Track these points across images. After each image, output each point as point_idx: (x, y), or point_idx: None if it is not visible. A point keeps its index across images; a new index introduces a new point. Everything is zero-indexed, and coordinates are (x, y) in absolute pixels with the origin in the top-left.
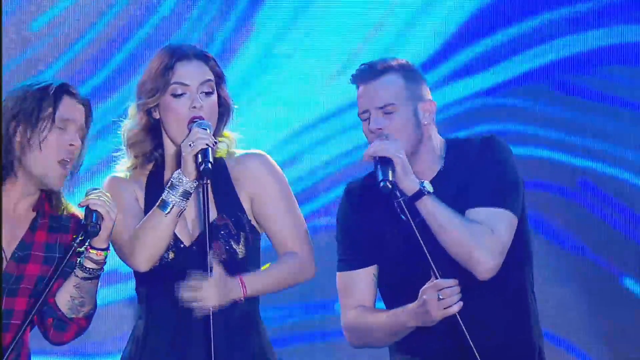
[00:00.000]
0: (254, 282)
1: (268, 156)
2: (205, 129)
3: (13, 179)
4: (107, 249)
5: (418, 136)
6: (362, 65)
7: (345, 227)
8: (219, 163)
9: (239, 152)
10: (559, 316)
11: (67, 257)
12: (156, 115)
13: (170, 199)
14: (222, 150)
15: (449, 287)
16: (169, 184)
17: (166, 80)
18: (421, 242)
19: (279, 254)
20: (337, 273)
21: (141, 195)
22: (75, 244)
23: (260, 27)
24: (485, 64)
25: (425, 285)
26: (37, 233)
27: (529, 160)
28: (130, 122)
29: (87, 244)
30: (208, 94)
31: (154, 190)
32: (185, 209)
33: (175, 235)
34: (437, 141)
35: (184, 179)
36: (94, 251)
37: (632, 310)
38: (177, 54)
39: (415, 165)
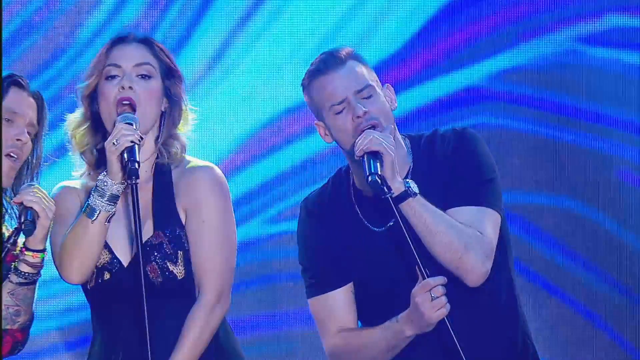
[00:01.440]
0: None
1: (217, 171)
2: (131, 124)
3: None
4: (43, 250)
5: (393, 124)
6: (319, 57)
7: (312, 248)
8: (164, 172)
9: (189, 160)
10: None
11: (0, 259)
12: (97, 107)
13: (96, 205)
14: (172, 155)
15: (440, 284)
16: (94, 187)
17: (102, 64)
18: (410, 243)
19: (195, 282)
20: (310, 299)
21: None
22: (8, 245)
23: (219, 12)
24: (467, 50)
25: (415, 288)
26: None
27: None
28: (75, 114)
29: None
30: (145, 77)
31: None
32: (113, 214)
33: (113, 253)
34: (399, 137)
35: (109, 181)
36: (30, 253)
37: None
38: (116, 39)
39: None
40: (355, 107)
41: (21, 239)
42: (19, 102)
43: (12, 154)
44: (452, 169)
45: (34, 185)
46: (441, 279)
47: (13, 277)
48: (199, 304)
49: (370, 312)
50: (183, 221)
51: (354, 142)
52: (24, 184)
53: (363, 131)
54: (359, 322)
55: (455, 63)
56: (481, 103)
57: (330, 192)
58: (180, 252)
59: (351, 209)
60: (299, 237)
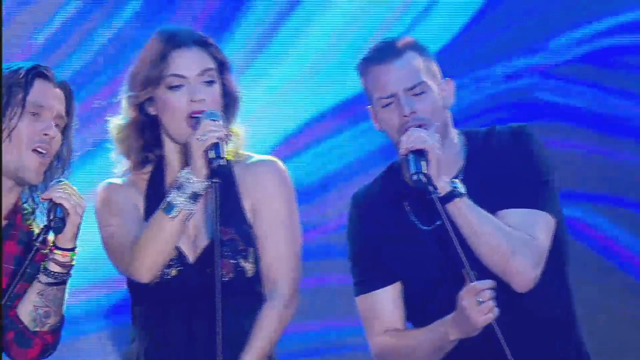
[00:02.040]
0: None
1: (281, 165)
2: (216, 120)
3: None
4: (73, 249)
5: (445, 122)
6: (377, 44)
7: (360, 244)
8: (228, 162)
9: (250, 155)
10: None
11: (28, 259)
12: (151, 110)
13: (176, 201)
14: (230, 151)
15: (488, 289)
16: (176, 184)
17: (161, 71)
18: (457, 245)
19: (263, 279)
20: (357, 297)
21: (141, 202)
22: (37, 244)
23: (261, 3)
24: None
25: (462, 291)
26: (7, 243)
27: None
28: (120, 118)
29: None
30: (209, 84)
31: (155, 195)
32: (193, 214)
33: (179, 249)
34: (454, 132)
35: (194, 178)
36: (59, 252)
37: None
38: (173, 41)
39: None
40: (404, 105)
41: (51, 237)
42: (45, 94)
43: (40, 149)
44: (506, 168)
45: (63, 181)
46: (489, 283)
47: (42, 277)
48: (273, 300)
49: (417, 313)
50: (250, 219)
51: (399, 138)
52: (52, 179)
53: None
54: (409, 323)
55: (503, 56)
56: (529, 99)
57: (380, 186)
58: (251, 249)
59: (400, 206)
60: (347, 233)
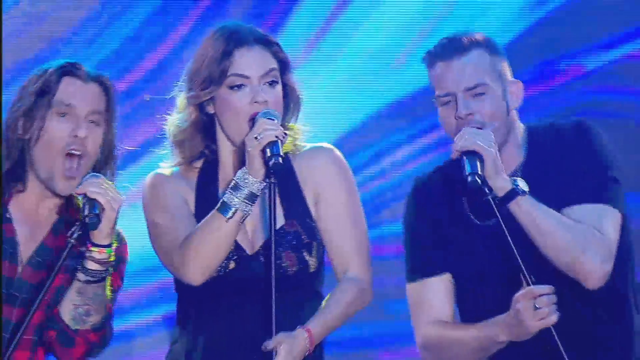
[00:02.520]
0: (321, 332)
1: (336, 151)
2: (273, 119)
3: (28, 179)
4: (109, 245)
5: (508, 123)
6: (442, 39)
7: (415, 230)
8: (285, 160)
9: (304, 145)
10: None
11: (64, 256)
12: (210, 109)
13: (233, 202)
14: (286, 144)
15: (546, 294)
16: (232, 184)
17: (223, 71)
18: (512, 245)
19: (335, 269)
20: (408, 285)
21: (191, 197)
22: (72, 241)
23: (309, 7)
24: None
25: (519, 293)
26: (60, 237)
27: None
28: (178, 117)
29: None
30: (272, 84)
31: (207, 191)
32: (249, 215)
33: (236, 241)
34: (520, 128)
35: (250, 178)
36: (96, 249)
37: None
38: (235, 40)
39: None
40: (461, 106)
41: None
42: (73, 92)
43: (74, 152)
44: (569, 163)
45: (98, 175)
46: (547, 289)
47: (80, 275)
48: (347, 283)
49: (466, 308)
50: (312, 211)
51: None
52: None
53: None
54: (461, 320)
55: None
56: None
57: (443, 175)
58: (314, 243)
59: (458, 198)
60: (403, 219)
